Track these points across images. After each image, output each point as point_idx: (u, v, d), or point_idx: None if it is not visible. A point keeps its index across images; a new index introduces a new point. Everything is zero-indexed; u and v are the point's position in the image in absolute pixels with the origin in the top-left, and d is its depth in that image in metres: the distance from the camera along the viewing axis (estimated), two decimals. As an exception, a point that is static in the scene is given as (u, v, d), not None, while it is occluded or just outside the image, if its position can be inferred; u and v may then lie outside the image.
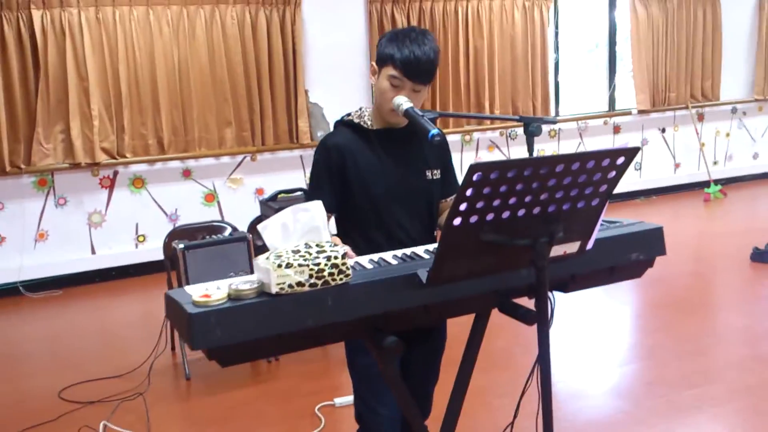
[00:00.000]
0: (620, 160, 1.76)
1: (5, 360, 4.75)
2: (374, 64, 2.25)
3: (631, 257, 2.11)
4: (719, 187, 8.50)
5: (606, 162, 1.74)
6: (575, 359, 4.15)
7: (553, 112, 8.06)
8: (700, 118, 8.86)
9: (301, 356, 4.36)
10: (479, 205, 1.63)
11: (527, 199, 1.69)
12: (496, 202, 1.66)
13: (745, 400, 3.48)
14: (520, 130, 7.83)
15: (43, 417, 3.69)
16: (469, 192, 1.59)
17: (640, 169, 8.63)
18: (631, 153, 1.76)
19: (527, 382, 2.02)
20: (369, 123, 2.29)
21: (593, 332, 4.56)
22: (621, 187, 8.29)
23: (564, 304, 4.87)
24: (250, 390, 3.98)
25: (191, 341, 1.61)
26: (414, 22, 7.01)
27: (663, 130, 8.72)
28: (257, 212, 6.22)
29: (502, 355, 4.15)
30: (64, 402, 3.89)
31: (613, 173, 1.78)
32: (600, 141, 8.31)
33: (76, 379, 4.17)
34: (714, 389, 3.61)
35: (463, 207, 1.61)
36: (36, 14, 5.77)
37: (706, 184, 8.61)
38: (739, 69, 9.01)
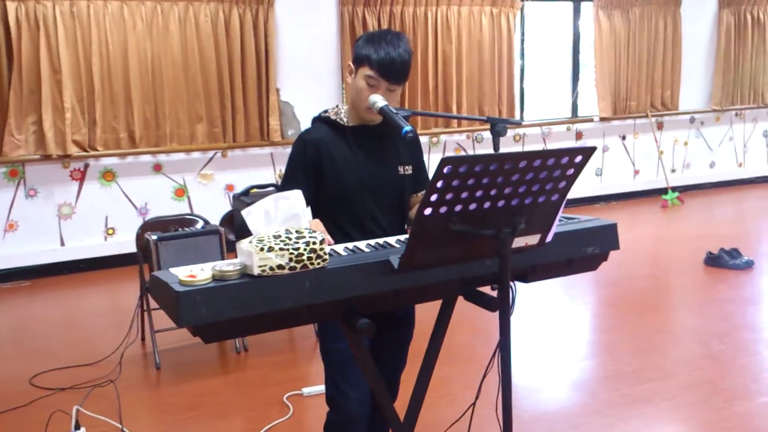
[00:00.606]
0: (578, 159, 1.91)
1: (-26, 348, 4.77)
2: (351, 64, 2.38)
3: (587, 251, 2.27)
4: (677, 194, 8.78)
5: (565, 160, 1.89)
6: (535, 354, 4.32)
7: (518, 117, 8.26)
8: (660, 126, 9.15)
9: (270, 347, 4.47)
10: (448, 196, 1.77)
11: (492, 192, 1.83)
12: (464, 194, 1.79)
13: (694, 394, 3.67)
14: (486, 134, 8.00)
15: (14, 402, 3.75)
16: (439, 184, 1.72)
17: (600, 174, 8.87)
18: (587, 152, 1.91)
19: (488, 366, 2.16)
20: (345, 120, 2.41)
21: (553, 330, 4.73)
22: (582, 192, 8.58)
23: (526, 302, 5.07)
24: (219, 379, 4.08)
25: (178, 318, 1.72)
26: (384, 25, 7.16)
27: (623, 138, 8.98)
28: (227, 207, 6.31)
29: (465, 349, 4.30)
30: (35, 388, 3.94)
31: (572, 171, 1.93)
32: (563, 146, 8.53)
33: (47, 366, 4.22)
34: (665, 384, 3.79)
35: (433, 198, 1.75)
36: (11, 6, 5.78)
37: (664, 190, 8.89)
38: (698, 80, 9.32)
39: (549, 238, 2.10)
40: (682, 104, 9.20)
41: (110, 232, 6.49)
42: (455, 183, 1.75)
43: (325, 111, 2.46)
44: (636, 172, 9.14)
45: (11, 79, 5.88)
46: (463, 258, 1.98)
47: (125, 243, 6.15)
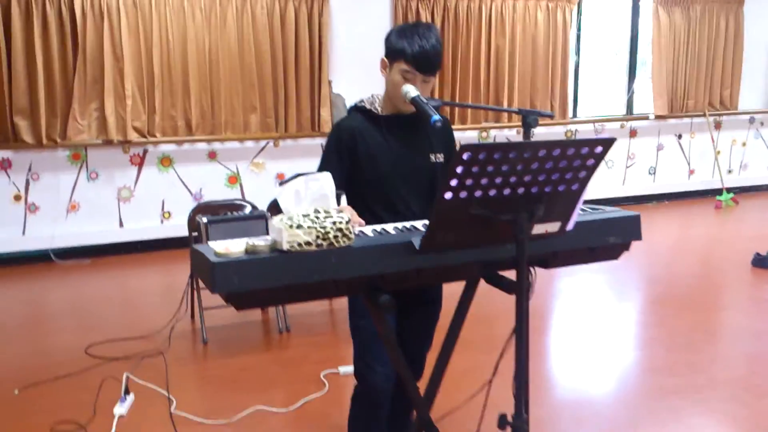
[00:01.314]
0: (598, 149, 1.98)
1: (36, 320, 5.07)
2: (385, 58, 2.48)
3: (608, 240, 2.33)
4: (731, 195, 8.64)
5: (585, 150, 1.96)
6: (573, 345, 4.37)
7: (570, 114, 8.25)
8: (717, 126, 9.00)
9: (312, 328, 4.64)
10: (468, 182, 1.86)
11: (512, 179, 1.92)
12: (483, 181, 1.88)
13: (725, 390, 3.67)
14: (538, 130, 7.99)
15: (70, 369, 3.99)
16: (459, 169, 1.82)
17: (654, 173, 8.79)
18: (607, 143, 1.98)
19: (505, 346, 2.24)
20: (379, 109, 2.53)
21: (594, 323, 4.77)
22: (634, 190, 8.51)
23: (572, 295, 5.13)
24: (262, 356, 4.25)
25: (212, 286, 1.86)
26: (438, 19, 7.24)
27: (679, 136, 8.87)
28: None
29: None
30: (89, 357, 4.18)
31: (592, 161, 2.00)
32: (617, 144, 8.41)
33: (102, 338, 4.47)
34: (697, 379, 3.80)
35: (453, 183, 1.84)
36: (77, -4, 6.08)
37: (719, 191, 8.75)
38: (759, 79, 9.14)
39: (570, 227, 2.17)
40: (741, 104, 9.04)
41: (166, 215, 6.75)
42: (475, 169, 1.84)
43: (361, 101, 2.58)
44: (691, 172, 9.02)
45: (76, 67, 6.18)
46: (483, 241, 2.08)
47: (180, 226, 6.38)
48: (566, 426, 3.34)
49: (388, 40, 2.47)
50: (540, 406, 3.47)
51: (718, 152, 9.05)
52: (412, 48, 2.38)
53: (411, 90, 2.36)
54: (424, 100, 2.33)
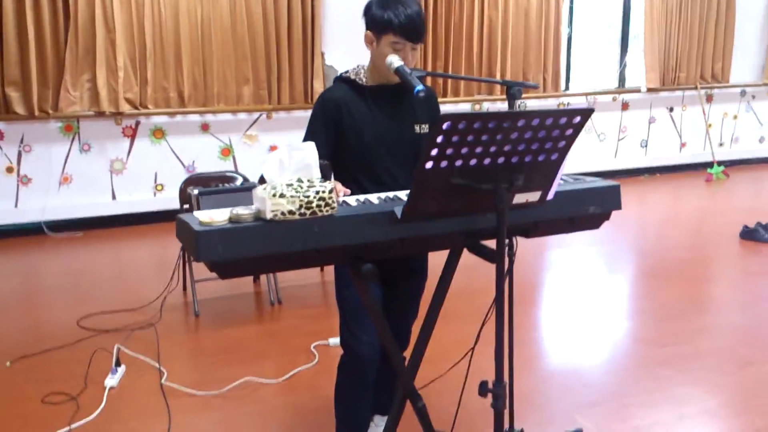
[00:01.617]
0: (576, 119, 2.00)
1: (28, 292, 5.11)
2: (370, 32, 2.47)
3: (588, 209, 2.36)
4: (722, 168, 8.68)
5: (563, 120, 1.98)
6: (561, 317, 4.43)
7: (563, 87, 8.25)
8: (709, 99, 9.02)
9: (303, 301, 4.68)
10: (449, 151, 1.89)
11: (492, 149, 1.94)
12: (463, 150, 1.91)
13: (709, 359, 3.74)
14: (529, 102, 8.04)
15: (62, 341, 4.03)
16: (439, 139, 1.84)
17: (646, 146, 8.82)
18: (586, 113, 2.00)
19: (487, 315, 2.27)
20: (364, 80, 2.54)
21: (584, 295, 4.82)
22: (626, 163, 8.56)
23: (563, 268, 5.19)
24: (253, 328, 4.30)
25: (197, 254, 1.90)
26: (431, -8, 7.22)
27: (671, 109, 8.89)
28: (270, 167, 6.49)
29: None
30: (81, 329, 4.23)
31: (570, 131, 2.03)
32: (608, 117, 8.51)
33: (94, 310, 4.51)
34: (683, 349, 3.87)
35: (434, 152, 1.87)
36: (68, -33, 6.04)
37: (710, 164, 8.79)
38: (751, 52, 9.14)
39: (550, 196, 2.21)
40: (733, 77, 9.05)
41: (159, 188, 6.77)
42: (455, 139, 1.87)
43: (346, 71, 2.60)
44: (682, 145, 9.05)
45: (67, 38, 6.15)
46: (464, 211, 2.11)
47: (173, 199, 6.38)
48: (554, 395, 3.40)
49: (368, 13, 2.46)
50: (527, 376, 3.53)
51: (710, 125, 9.07)
52: (398, 18, 2.38)
53: (395, 60, 2.38)
54: (408, 71, 2.35)
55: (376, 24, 2.43)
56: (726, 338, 4.03)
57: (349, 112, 2.49)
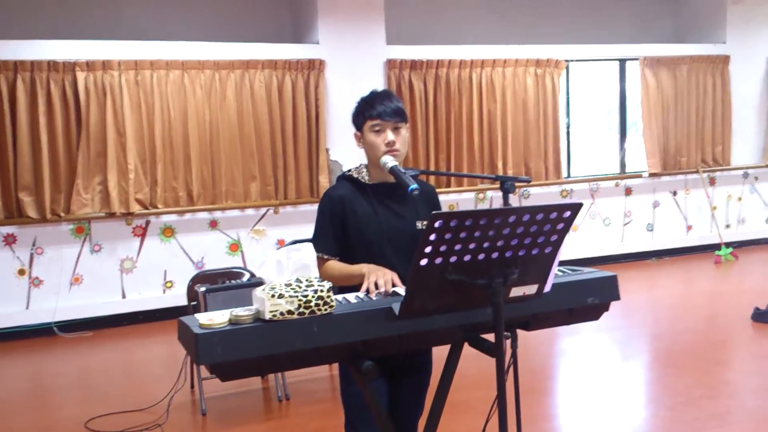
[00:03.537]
0: (567, 214, 2.06)
1: (38, 393, 5.11)
2: (356, 132, 2.64)
3: (587, 301, 2.39)
4: (730, 249, 8.67)
5: (554, 215, 2.04)
6: (567, 403, 4.37)
7: (564, 174, 8.37)
8: (712, 182, 9.10)
9: (312, 396, 4.65)
10: (443, 248, 1.94)
11: (485, 244, 2.00)
12: (457, 247, 1.96)
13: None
14: (533, 190, 8.15)
15: (69, 444, 4.01)
16: (432, 237, 1.90)
17: (652, 230, 8.85)
18: (575, 208, 2.06)
19: (490, 411, 2.27)
20: (366, 178, 2.63)
21: (594, 381, 4.77)
22: (633, 247, 8.55)
23: (572, 352, 5.15)
24: (261, 425, 4.26)
25: (197, 357, 1.93)
26: (430, 88, 7.45)
27: (674, 193, 8.97)
28: (277, 262, 6.55)
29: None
30: (89, 431, 4.19)
31: (562, 225, 2.08)
32: (612, 202, 8.58)
33: (102, 411, 4.48)
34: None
35: (427, 249, 1.93)
36: (80, 76, 6.28)
37: (717, 246, 8.79)
38: (750, 135, 9.27)
39: (547, 288, 2.24)
40: (734, 160, 9.16)
41: (168, 285, 6.83)
42: (447, 236, 1.93)
43: (349, 170, 2.70)
44: (688, 228, 9.08)
45: (80, 143, 6.35)
46: (461, 306, 2.14)
47: (182, 296, 6.43)
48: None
49: (353, 116, 2.65)
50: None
51: (714, 208, 9.12)
52: (373, 105, 2.57)
53: (389, 161, 2.48)
54: (402, 170, 2.44)
55: (357, 118, 2.63)
56: (741, 425, 3.96)
57: (352, 209, 2.57)
